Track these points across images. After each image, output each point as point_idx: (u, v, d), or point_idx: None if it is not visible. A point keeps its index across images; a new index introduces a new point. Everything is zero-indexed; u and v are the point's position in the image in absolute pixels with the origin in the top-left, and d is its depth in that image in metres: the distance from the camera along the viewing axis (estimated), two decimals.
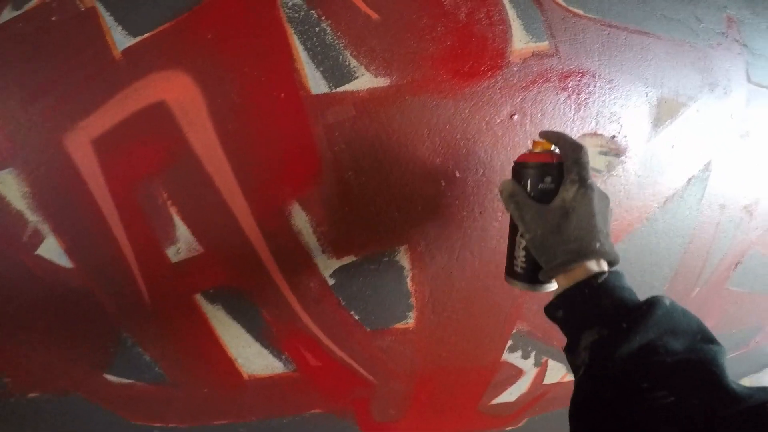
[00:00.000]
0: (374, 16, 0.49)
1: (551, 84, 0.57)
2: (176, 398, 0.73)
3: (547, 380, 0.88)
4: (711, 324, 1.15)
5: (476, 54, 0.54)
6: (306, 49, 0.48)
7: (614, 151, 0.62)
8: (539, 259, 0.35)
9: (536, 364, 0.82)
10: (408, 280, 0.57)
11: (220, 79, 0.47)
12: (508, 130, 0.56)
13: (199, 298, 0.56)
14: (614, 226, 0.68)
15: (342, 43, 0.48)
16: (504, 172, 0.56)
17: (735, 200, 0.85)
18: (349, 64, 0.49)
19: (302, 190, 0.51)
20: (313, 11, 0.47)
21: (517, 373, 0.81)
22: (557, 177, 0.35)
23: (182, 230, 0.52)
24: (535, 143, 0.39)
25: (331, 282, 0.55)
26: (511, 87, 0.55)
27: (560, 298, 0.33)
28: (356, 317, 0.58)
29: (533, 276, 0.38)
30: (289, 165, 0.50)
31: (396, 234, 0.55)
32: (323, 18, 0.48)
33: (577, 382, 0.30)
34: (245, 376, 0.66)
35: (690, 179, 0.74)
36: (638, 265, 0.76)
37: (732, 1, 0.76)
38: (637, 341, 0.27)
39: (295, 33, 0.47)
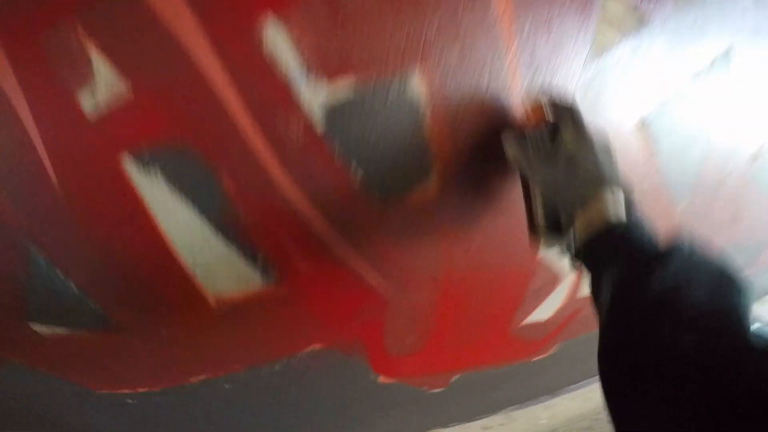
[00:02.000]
0: None
1: None
2: (130, 349, 0.54)
3: (581, 292, 0.72)
4: (734, 233, 1.07)
5: None
6: None
7: (642, 11, 0.49)
8: (559, 205, 0.37)
9: (574, 267, 0.70)
10: (425, 120, 0.41)
11: None
12: None
13: (128, 164, 0.37)
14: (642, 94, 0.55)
15: None
16: (532, 12, 0.41)
17: (757, 85, 0.76)
18: None
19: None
20: None
21: (553, 279, 0.66)
22: (554, 136, 0.37)
23: (101, 67, 0.34)
24: (529, 111, 0.41)
25: (321, 124, 0.38)
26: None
27: (583, 246, 0.35)
28: (359, 176, 0.41)
29: (557, 225, 0.38)
30: None
31: (408, 50, 0.38)
32: None
33: (601, 325, 0.30)
34: (211, 300, 0.48)
35: (713, 61, 0.60)
36: (670, 145, 0.64)
37: None
38: (657, 286, 0.27)
39: None
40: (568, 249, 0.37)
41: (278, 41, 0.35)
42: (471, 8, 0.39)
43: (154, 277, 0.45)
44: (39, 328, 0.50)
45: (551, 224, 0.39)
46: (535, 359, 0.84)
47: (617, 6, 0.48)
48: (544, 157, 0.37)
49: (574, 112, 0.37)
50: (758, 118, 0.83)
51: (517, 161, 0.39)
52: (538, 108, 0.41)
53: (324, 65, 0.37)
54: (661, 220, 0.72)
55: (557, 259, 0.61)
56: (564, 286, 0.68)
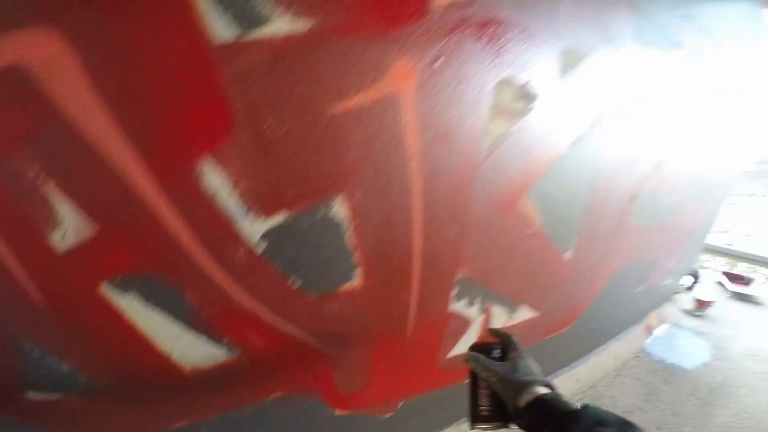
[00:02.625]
0: None
1: (470, 32, 0.56)
2: (118, 408, 0.64)
3: (493, 326, 0.89)
4: (621, 261, 1.27)
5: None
6: None
7: (530, 94, 0.64)
8: (506, 393, 0.48)
9: (481, 311, 0.84)
10: (348, 234, 0.53)
11: (97, 32, 0.39)
12: (431, 76, 0.54)
13: (106, 290, 0.48)
14: (533, 164, 0.71)
15: None
16: (427, 119, 0.54)
17: (629, 140, 0.93)
18: (262, 8, 0.43)
19: (213, 144, 0.44)
20: None
21: (464, 323, 0.82)
22: (500, 350, 0.52)
23: (65, 210, 0.43)
24: (482, 335, 0.54)
25: (261, 247, 0.50)
26: (434, 33, 0.53)
27: (524, 410, 0.46)
28: (297, 284, 0.54)
29: (499, 414, 0.49)
30: (194, 118, 0.43)
31: (329, 183, 0.50)
32: None
33: None
34: (187, 370, 0.59)
35: (594, 122, 0.78)
36: (557, 202, 0.80)
37: None
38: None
39: None
40: (514, 421, 0.48)
41: (216, 180, 0.45)
42: (381, 131, 0.51)
43: (138, 358, 0.55)
44: (33, 396, 0.59)
45: (495, 413, 0.50)
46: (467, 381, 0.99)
47: (507, 94, 0.61)
48: (496, 361, 0.51)
49: (516, 338, 0.54)
50: (635, 164, 1.02)
51: (475, 364, 0.51)
52: (488, 334, 0.55)
53: (260, 203, 0.47)
54: (555, 267, 0.89)
55: (465, 308, 0.76)
56: (475, 325, 0.83)
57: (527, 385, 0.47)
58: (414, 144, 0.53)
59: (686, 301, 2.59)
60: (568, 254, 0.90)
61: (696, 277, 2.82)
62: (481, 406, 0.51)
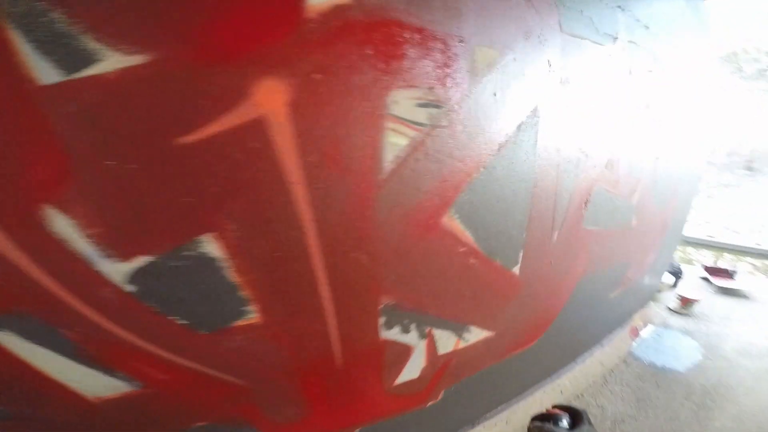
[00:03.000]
0: None
1: (356, 38, 0.52)
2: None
3: (441, 350, 0.85)
4: (583, 268, 1.22)
5: (265, 12, 0.47)
6: (30, 41, 0.39)
7: (434, 101, 0.60)
8: None
9: (422, 336, 0.79)
10: (228, 271, 0.50)
11: None
12: (310, 92, 0.50)
13: None
14: (451, 179, 0.67)
15: (79, 28, 0.40)
16: (309, 140, 0.51)
17: (569, 141, 0.89)
18: (89, 47, 0.41)
19: (50, 191, 0.41)
20: (38, 2, 0.39)
21: (404, 349, 0.77)
22: (569, 421, 0.51)
23: None
24: (552, 407, 0.53)
25: (129, 288, 0.46)
26: (310, 45, 0.49)
27: None
28: (181, 322, 0.50)
29: None
30: (26, 165, 0.40)
31: (191, 221, 0.46)
32: (52, 7, 0.39)
33: None
34: (91, 399, 0.54)
35: (520, 125, 0.74)
36: (490, 216, 0.76)
37: None
38: None
39: (15, 27, 0.39)
40: None
41: (63, 226, 0.41)
42: (249, 158, 0.47)
43: (36, 391, 0.51)
44: None
45: None
46: (429, 405, 0.95)
47: (406, 104, 0.56)
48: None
49: (586, 415, 0.51)
50: (580, 167, 0.97)
51: (541, 427, 0.50)
52: (558, 406, 0.53)
53: (116, 247, 0.44)
54: (503, 283, 0.84)
55: (400, 335, 0.71)
56: (419, 352, 0.79)
57: None
58: (295, 169, 0.50)
59: (671, 299, 2.53)
60: (515, 269, 0.87)
61: (678, 273, 2.77)
62: None
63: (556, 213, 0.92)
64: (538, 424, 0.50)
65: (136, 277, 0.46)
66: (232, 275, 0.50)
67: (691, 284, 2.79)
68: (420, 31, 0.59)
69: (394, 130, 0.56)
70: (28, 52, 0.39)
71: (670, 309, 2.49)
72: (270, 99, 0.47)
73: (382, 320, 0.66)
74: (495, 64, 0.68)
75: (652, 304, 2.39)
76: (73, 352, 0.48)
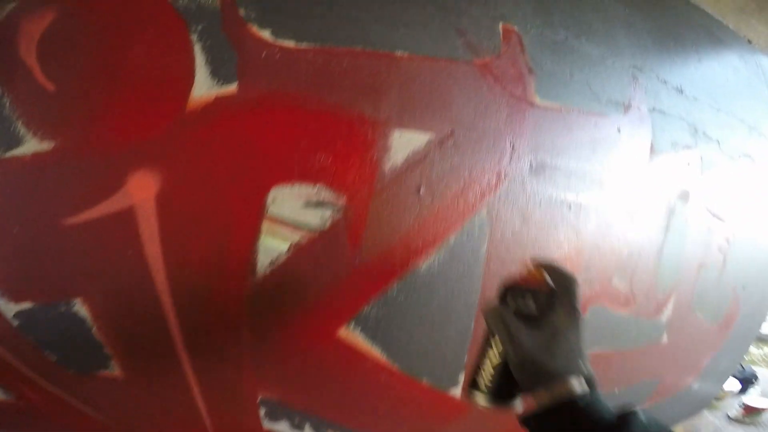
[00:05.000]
0: (50, 86, 0.48)
1: (235, 130, 0.50)
2: None
3: None
4: None
5: (147, 105, 0.50)
6: None
7: (328, 201, 0.52)
8: (522, 376, 0.35)
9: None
10: (94, 329, 0.54)
11: None
12: (181, 185, 0.50)
13: None
14: (349, 290, 0.57)
15: (16, 112, 0.48)
16: (172, 233, 0.51)
17: (542, 250, 0.66)
18: (19, 131, 0.48)
19: None
20: None
21: None
22: (547, 303, 0.36)
23: None
24: (527, 270, 0.39)
25: (15, 323, 0.52)
26: (187, 138, 0.50)
27: (540, 416, 0.34)
28: (52, 358, 0.55)
29: (501, 392, 0.38)
30: None
31: (65, 285, 0.51)
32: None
33: None
34: None
35: (460, 232, 0.58)
36: (411, 333, 0.60)
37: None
38: None
39: None
40: (521, 419, 0.36)
41: None
42: (116, 242, 0.50)
43: None
44: None
45: (497, 390, 0.38)
46: None
47: (289, 204, 0.50)
48: (527, 319, 0.36)
49: (576, 288, 0.37)
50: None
51: (495, 324, 0.37)
52: (539, 271, 0.39)
53: (8, 292, 0.52)
54: (436, 405, 0.68)
55: (290, 429, 0.62)
56: None
57: (556, 377, 0.33)
58: (157, 259, 0.50)
59: (733, 406, 2.00)
60: (455, 390, 0.68)
61: (750, 378, 2.16)
62: (483, 372, 0.38)
63: None
64: (495, 308, 0.37)
65: (20, 315, 0.53)
66: (96, 333, 0.53)
67: (765, 390, 2.17)
68: (317, 116, 0.53)
69: (271, 232, 0.51)
70: None
71: (729, 417, 1.99)
72: (140, 191, 0.49)
73: (262, 411, 0.62)
74: (422, 152, 0.57)
75: (705, 412, 1.91)
76: None
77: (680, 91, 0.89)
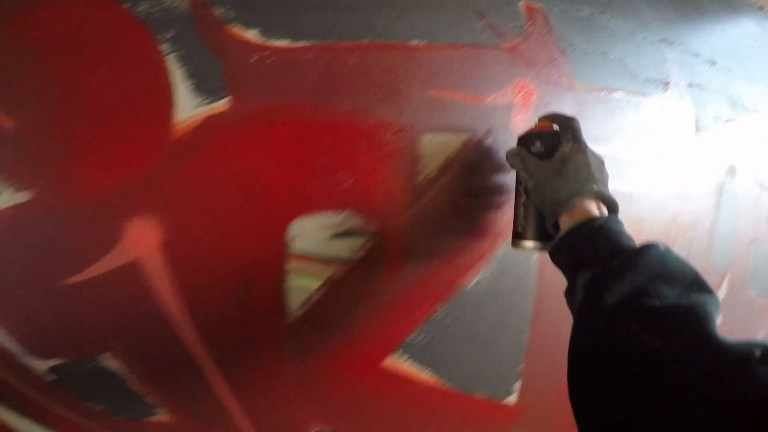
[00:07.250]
0: (8, 123, 0.39)
1: (236, 155, 0.43)
2: None
3: None
4: None
5: (128, 140, 0.41)
6: None
7: (357, 229, 0.45)
8: (543, 204, 0.37)
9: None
10: (130, 381, 0.50)
11: None
12: (185, 226, 0.43)
13: None
14: (392, 320, 0.52)
15: None
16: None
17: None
18: None
19: None
20: None
21: None
22: (555, 143, 0.39)
23: None
24: (535, 124, 0.43)
25: (50, 377, 0.48)
26: (180, 170, 0.42)
27: (562, 240, 0.34)
28: (98, 408, 0.51)
29: (538, 230, 0.40)
30: None
31: (88, 342, 0.47)
32: None
33: (573, 325, 0.30)
34: None
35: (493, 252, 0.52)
36: (461, 352, 0.56)
37: None
38: (628, 282, 0.26)
39: None
40: (549, 250, 0.37)
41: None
42: (130, 296, 0.45)
43: None
44: None
45: (534, 228, 0.41)
46: None
47: (314, 238, 0.44)
48: (539, 155, 0.39)
49: (576, 124, 0.40)
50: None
51: (514, 161, 0.41)
52: (545, 120, 0.43)
53: (35, 350, 0.47)
54: (478, 420, 0.67)
55: None
56: None
57: (569, 197, 0.34)
58: (178, 310, 0.45)
59: None
60: (510, 399, 0.66)
61: None
62: (518, 217, 0.42)
63: (560, 328, 0.71)
64: (514, 149, 0.42)
65: (54, 370, 0.48)
66: (133, 384, 0.50)
67: None
68: (330, 128, 0.45)
69: (298, 271, 0.45)
70: None
71: None
72: (141, 242, 0.42)
73: None
74: (456, 155, 0.50)
75: None
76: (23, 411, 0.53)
77: (713, 63, 0.80)
